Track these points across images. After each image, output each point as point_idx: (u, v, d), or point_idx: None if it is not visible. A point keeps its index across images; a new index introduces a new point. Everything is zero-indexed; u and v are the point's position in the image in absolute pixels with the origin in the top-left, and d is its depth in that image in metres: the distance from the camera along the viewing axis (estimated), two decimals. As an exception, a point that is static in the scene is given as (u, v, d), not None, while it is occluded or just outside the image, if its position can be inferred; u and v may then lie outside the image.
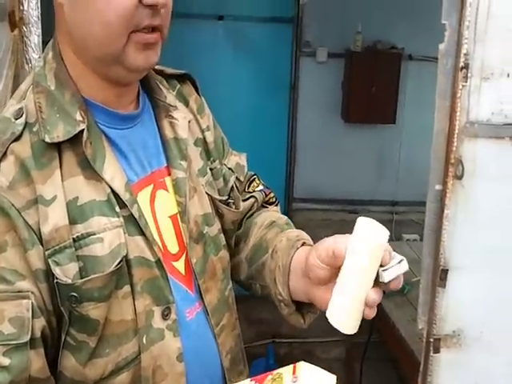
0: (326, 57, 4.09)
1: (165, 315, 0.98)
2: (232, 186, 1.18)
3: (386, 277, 0.87)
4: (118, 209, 0.93)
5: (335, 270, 0.92)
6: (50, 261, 0.88)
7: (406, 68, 4.03)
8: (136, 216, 0.95)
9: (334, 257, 0.90)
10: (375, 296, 0.88)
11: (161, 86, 1.10)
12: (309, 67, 4.11)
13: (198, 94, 1.18)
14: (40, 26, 1.21)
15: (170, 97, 1.10)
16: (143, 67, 0.95)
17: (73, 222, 0.90)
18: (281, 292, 1.04)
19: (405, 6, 3.78)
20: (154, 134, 1.05)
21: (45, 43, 1.15)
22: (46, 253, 0.88)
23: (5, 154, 0.87)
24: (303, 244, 1.06)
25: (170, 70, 1.14)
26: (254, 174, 1.29)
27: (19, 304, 0.86)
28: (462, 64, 1.33)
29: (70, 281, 0.88)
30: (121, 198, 0.93)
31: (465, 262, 1.38)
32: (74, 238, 0.89)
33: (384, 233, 0.88)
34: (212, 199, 1.11)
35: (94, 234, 0.91)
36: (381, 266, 0.88)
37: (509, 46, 1.33)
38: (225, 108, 4.25)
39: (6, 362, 0.85)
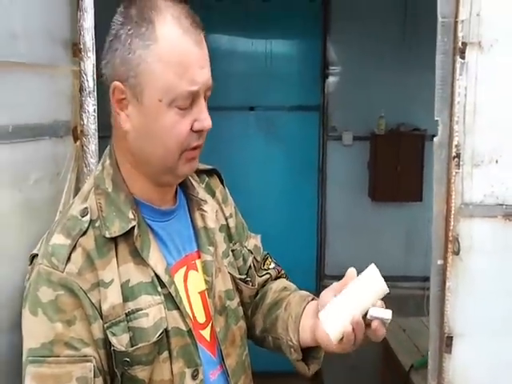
0: (352, 140, 4.30)
1: (194, 376, 1.14)
2: (250, 265, 1.37)
3: (372, 312, 1.11)
4: (159, 289, 1.11)
5: None
6: (107, 332, 1.05)
7: (429, 147, 4.19)
8: (173, 294, 1.13)
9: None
10: (358, 321, 1.11)
11: (193, 182, 1.29)
12: (336, 150, 4.33)
13: (223, 185, 1.39)
14: (97, 136, 1.46)
15: (201, 191, 1.29)
16: (188, 174, 1.20)
17: (125, 299, 1.08)
18: (291, 338, 1.24)
19: (424, 91, 4.00)
20: (188, 224, 1.24)
21: (100, 150, 1.41)
22: (105, 325, 1.05)
23: (74, 246, 1.05)
24: (313, 299, 1.27)
25: (200, 166, 1.31)
26: (267, 254, 1.46)
27: (84, 366, 1.02)
28: (454, 154, 1.51)
29: (123, 348, 1.06)
30: (162, 280, 1.11)
31: (468, 329, 1.51)
32: (126, 313, 1.07)
33: (385, 286, 1.13)
34: (233, 277, 1.29)
35: (142, 310, 1.09)
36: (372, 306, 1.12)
37: (494, 136, 1.51)
38: (258, 191, 4.51)
39: None
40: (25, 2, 1.26)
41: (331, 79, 4.32)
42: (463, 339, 1.52)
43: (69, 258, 1.04)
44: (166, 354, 1.11)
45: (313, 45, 4.34)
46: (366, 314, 1.12)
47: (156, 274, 1.12)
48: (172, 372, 1.11)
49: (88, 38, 1.46)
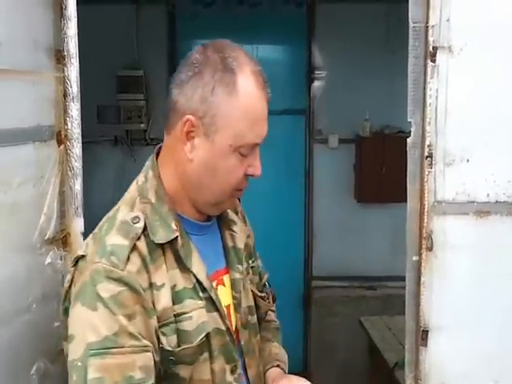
0: (337, 143, 4.36)
1: (232, 371, 1.24)
2: (264, 283, 1.49)
3: None
4: (201, 293, 1.20)
5: None
6: (159, 331, 1.13)
7: (414, 150, 4.26)
8: (214, 298, 1.22)
9: None
10: None
11: None
12: (322, 153, 4.39)
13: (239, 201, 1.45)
14: (80, 140, 1.50)
15: (230, 212, 1.37)
16: (229, 208, 1.33)
17: (174, 303, 1.16)
18: None
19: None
20: (218, 242, 1.33)
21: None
22: (157, 325, 1.13)
23: (132, 248, 1.12)
24: (277, 365, 1.41)
25: None
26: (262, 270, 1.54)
27: (145, 356, 1.09)
28: (426, 153, 1.56)
29: (170, 348, 1.14)
30: (203, 285, 1.20)
31: (442, 323, 1.56)
32: (174, 315, 1.15)
33: None
34: (253, 294, 1.39)
35: (186, 313, 1.17)
36: None
37: (465, 136, 1.57)
38: (245, 194, 4.52)
39: None
40: (8, 10, 1.31)
41: (317, 83, 4.38)
42: (438, 333, 1.57)
43: (128, 259, 1.11)
44: (206, 354, 1.19)
45: (299, 50, 4.41)
46: None
47: (198, 280, 1.20)
48: (212, 371, 1.20)
49: (72, 45, 1.50)
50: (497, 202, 1.57)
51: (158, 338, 1.13)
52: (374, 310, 3.91)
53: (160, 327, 1.14)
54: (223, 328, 1.23)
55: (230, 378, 1.24)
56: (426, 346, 1.56)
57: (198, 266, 1.21)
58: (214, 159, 1.18)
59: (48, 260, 1.44)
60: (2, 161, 1.27)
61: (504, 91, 1.57)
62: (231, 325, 1.27)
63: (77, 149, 1.50)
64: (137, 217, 1.17)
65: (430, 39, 1.54)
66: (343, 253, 4.29)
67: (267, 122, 1.22)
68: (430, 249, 1.55)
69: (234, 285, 1.30)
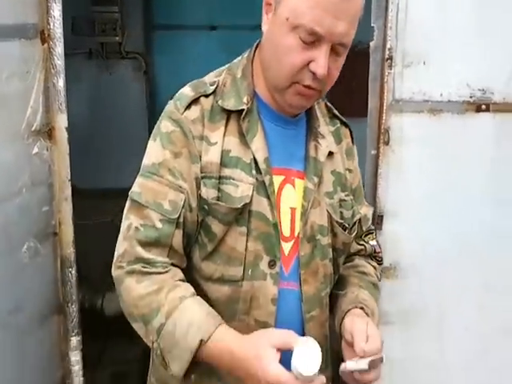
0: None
1: (270, 265, 1.22)
2: (355, 222, 1.38)
3: (349, 366, 1.14)
4: (254, 172, 1.21)
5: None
6: (201, 180, 1.20)
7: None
8: (266, 183, 1.21)
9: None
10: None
11: (319, 117, 1.33)
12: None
13: (353, 143, 1.41)
14: (62, 40, 1.59)
15: (323, 127, 1.32)
16: (296, 107, 1.23)
17: (223, 164, 1.20)
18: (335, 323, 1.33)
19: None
20: (301, 147, 1.29)
21: (66, 54, 1.55)
22: (201, 175, 1.20)
23: (196, 99, 1.22)
24: (361, 308, 1.29)
25: (336, 112, 1.40)
26: (374, 229, 1.51)
27: (178, 194, 1.19)
28: (387, 56, 1.70)
29: (205, 197, 1.20)
30: (259, 166, 1.21)
31: (396, 209, 1.74)
32: (220, 176, 1.20)
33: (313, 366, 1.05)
34: (331, 218, 1.31)
35: (234, 180, 1.20)
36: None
37: (422, 41, 1.70)
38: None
39: (159, 225, 1.18)
40: None
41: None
42: (392, 218, 1.75)
43: (189, 106, 1.22)
44: (244, 229, 1.21)
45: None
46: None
47: (255, 159, 1.21)
48: (247, 248, 1.21)
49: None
50: (449, 101, 1.73)
51: (199, 187, 1.20)
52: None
53: (202, 178, 1.20)
54: (270, 218, 1.22)
55: (265, 268, 1.22)
56: (381, 229, 1.75)
57: (258, 145, 1.22)
58: (275, 33, 1.16)
59: (35, 150, 1.56)
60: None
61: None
62: (293, 229, 1.26)
63: (59, 48, 1.58)
64: (216, 82, 1.26)
65: None
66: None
67: (344, 19, 1.11)
68: (387, 143, 1.70)
69: (305, 193, 1.26)
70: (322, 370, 1.07)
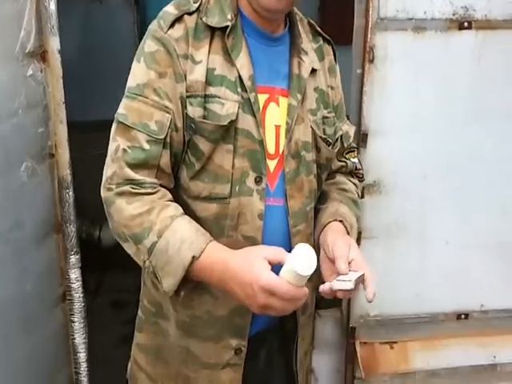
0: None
1: (257, 181, 1.25)
2: (337, 138, 1.42)
3: (336, 285, 1.15)
4: (239, 90, 1.22)
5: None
6: (186, 100, 1.21)
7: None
8: (252, 100, 1.23)
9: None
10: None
11: (302, 34, 1.35)
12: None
13: (335, 60, 1.43)
14: (52, -40, 1.60)
15: (306, 44, 1.34)
16: (276, 8, 1.22)
17: (208, 83, 1.21)
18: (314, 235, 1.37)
19: None
20: (285, 64, 1.30)
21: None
22: (186, 94, 1.21)
23: (180, 17, 1.22)
24: (341, 221, 1.33)
25: (318, 29, 1.41)
26: (357, 148, 1.55)
27: (163, 115, 1.20)
28: (372, -25, 1.72)
29: (192, 116, 1.21)
30: (244, 84, 1.22)
31: (380, 127, 1.80)
32: (205, 94, 1.21)
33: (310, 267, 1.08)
34: (314, 134, 1.33)
35: (219, 98, 1.21)
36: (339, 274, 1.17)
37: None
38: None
39: (146, 146, 1.20)
40: None
41: None
42: (376, 136, 1.81)
43: (172, 25, 1.22)
44: (230, 146, 1.23)
45: None
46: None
47: (240, 77, 1.22)
48: (234, 165, 1.23)
49: None
50: (432, 19, 1.75)
51: (185, 107, 1.21)
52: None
53: (188, 97, 1.21)
54: (255, 136, 1.24)
55: (252, 185, 1.25)
56: (365, 147, 1.80)
57: (243, 62, 1.23)
58: None
59: (30, 72, 1.58)
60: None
61: None
62: (277, 147, 1.28)
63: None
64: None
65: None
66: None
67: None
68: (371, 61, 1.74)
69: (288, 109, 1.28)
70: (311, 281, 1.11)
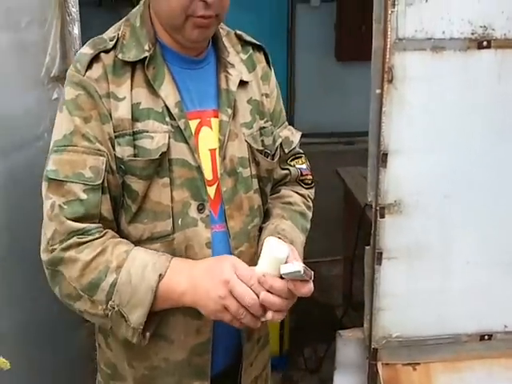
0: (319, 1, 4.42)
1: (199, 209, 1.21)
2: (277, 146, 1.40)
3: (283, 269, 1.11)
4: (167, 119, 1.19)
5: None
6: (114, 140, 1.17)
7: (394, 8, 4.31)
8: (182, 127, 1.20)
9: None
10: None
11: (228, 47, 1.34)
12: (304, 12, 4.46)
13: (269, 65, 1.43)
14: (76, -14, 1.64)
15: (233, 57, 1.32)
16: (197, 40, 1.22)
17: (135, 119, 1.18)
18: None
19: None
20: (213, 84, 1.29)
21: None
22: (114, 134, 1.17)
23: (96, 56, 1.19)
24: (279, 238, 1.26)
25: (247, 38, 1.41)
26: (303, 154, 1.52)
27: (97, 159, 1.16)
28: (390, -5, 1.73)
29: (120, 156, 1.18)
30: (171, 112, 1.19)
31: (400, 146, 1.79)
32: (133, 132, 1.18)
33: (284, 250, 1.12)
34: (251, 148, 1.31)
35: (148, 132, 1.18)
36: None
37: (424, -21, 1.72)
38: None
39: (84, 196, 1.14)
40: None
41: None
42: (397, 155, 1.79)
43: (90, 65, 1.19)
44: (166, 179, 1.19)
45: None
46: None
47: (166, 106, 1.20)
48: (172, 198, 1.20)
49: None
50: (451, 38, 1.74)
51: (114, 148, 1.17)
52: (351, 164, 4.15)
53: (116, 137, 1.17)
54: (192, 163, 1.20)
55: (195, 214, 1.21)
56: (385, 167, 1.79)
57: (168, 90, 1.20)
58: None
59: (54, 95, 1.63)
60: (11, 2, 1.41)
61: None
62: (215, 171, 1.24)
63: (74, -5, 1.64)
64: (115, 36, 1.23)
65: None
66: (323, 109, 4.45)
67: None
68: (390, 81, 1.74)
69: (220, 126, 1.26)
70: None
